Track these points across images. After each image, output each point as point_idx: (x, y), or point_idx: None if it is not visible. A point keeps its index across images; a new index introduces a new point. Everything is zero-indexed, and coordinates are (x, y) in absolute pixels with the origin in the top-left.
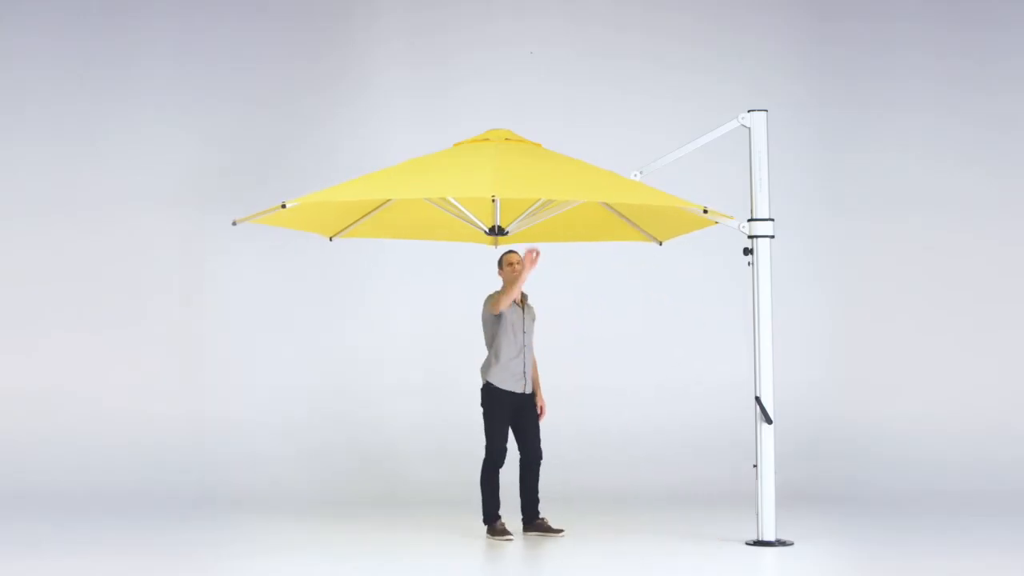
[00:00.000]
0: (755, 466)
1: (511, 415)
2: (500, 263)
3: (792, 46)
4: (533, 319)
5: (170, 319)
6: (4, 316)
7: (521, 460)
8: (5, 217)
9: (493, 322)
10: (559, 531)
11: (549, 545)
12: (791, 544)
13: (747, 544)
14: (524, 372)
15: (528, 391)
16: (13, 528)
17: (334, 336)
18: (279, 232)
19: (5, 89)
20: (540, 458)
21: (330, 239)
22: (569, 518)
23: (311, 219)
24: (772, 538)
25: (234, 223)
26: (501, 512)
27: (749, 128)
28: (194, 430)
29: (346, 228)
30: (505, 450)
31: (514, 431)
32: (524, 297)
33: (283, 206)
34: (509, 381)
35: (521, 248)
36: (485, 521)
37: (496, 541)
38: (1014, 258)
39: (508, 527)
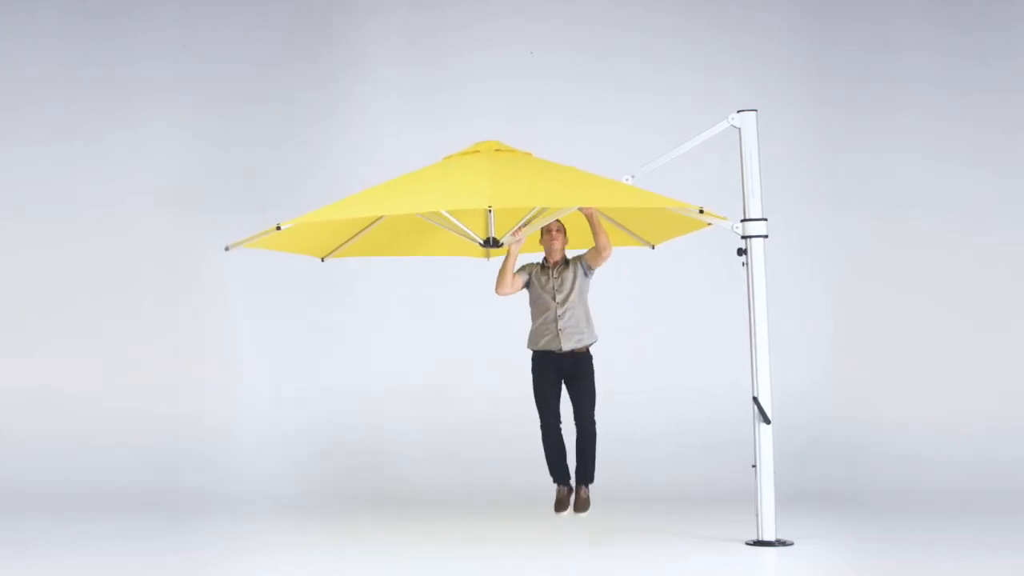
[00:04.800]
0: (754, 466)
1: (555, 376)
2: (541, 234)
3: (792, 45)
4: (577, 277)
5: (170, 319)
6: (4, 316)
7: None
8: (5, 217)
9: (528, 291)
10: (580, 507)
11: (548, 545)
12: (791, 544)
13: (747, 544)
14: (558, 331)
15: (569, 348)
16: (13, 528)
17: (334, 337)
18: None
19: (5, 88)
20: (588, 432)
21: (322, 260)
22: (568, 518)
23: (303, 242)
24: (772, 538)
25: (227, 248)
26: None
27: (739, 128)
28: (194, 430)
29: (337, 248)
30: (552, 410)
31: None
32: (565, 261)
33: (278, 228)
34: (541, 342)
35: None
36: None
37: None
38: (1014, 258)
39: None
